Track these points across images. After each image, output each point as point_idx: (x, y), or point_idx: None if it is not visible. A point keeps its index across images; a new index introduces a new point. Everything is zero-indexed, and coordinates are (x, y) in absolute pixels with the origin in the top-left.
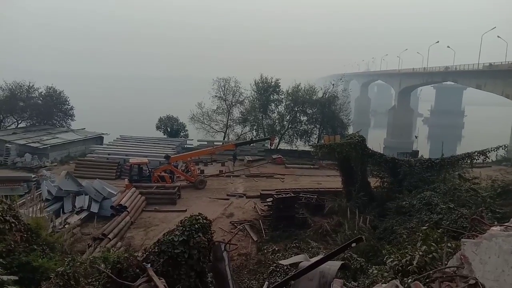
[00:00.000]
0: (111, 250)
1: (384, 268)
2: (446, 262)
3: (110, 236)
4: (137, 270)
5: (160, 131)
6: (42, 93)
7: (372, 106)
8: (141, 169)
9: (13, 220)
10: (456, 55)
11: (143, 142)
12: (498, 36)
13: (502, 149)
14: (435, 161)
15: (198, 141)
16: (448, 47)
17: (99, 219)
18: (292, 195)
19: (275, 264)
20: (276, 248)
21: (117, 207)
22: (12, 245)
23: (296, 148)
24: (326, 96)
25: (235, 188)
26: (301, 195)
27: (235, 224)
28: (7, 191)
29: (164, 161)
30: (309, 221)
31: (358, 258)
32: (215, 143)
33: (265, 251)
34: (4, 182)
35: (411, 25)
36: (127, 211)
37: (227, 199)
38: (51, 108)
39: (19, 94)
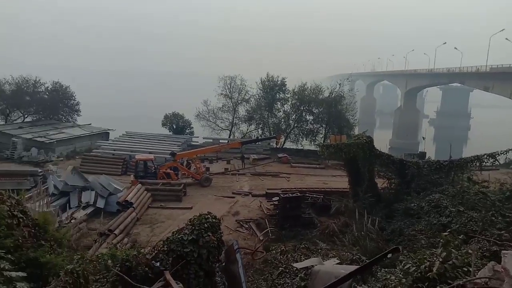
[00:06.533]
0: (118, 247)
1: (395, 271)
2: (476, 272)
3: (116, 232)
4: (146, 269)
5: (166, 128)
6: (49, 88)
7: (378, 106)
8: (147, 166)
9: (21, 215)
10: (464, 57)
11: (149, 139)
12: (507, 39)
13: None
14: (444, 163)
15: (203, 138)
16: (456, 48)
17: (105, 214)
18: (299, 194)
19: (284, 265)
20: (286, 249)
21: (123, 203)
22: (20, 241)
23: (301, 147)
24: (333, 95)
25: (240, 186)
26: (307, 194)
27: (241, 223)
28: (13, 185)
29: (170, 158)
30: (315, 221)
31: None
32: (220, 141)
33: (273, 251)
34: (11, 176)
35: (419, 26)
36: (133, 207)
37: (233, 197)
38: (57, 103)
39: (25, 88)
